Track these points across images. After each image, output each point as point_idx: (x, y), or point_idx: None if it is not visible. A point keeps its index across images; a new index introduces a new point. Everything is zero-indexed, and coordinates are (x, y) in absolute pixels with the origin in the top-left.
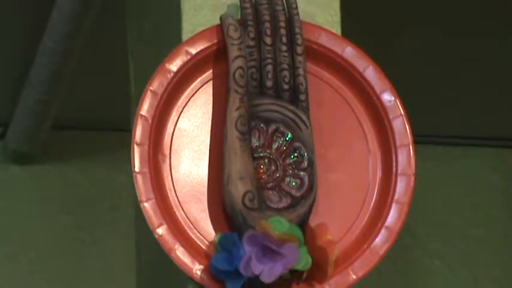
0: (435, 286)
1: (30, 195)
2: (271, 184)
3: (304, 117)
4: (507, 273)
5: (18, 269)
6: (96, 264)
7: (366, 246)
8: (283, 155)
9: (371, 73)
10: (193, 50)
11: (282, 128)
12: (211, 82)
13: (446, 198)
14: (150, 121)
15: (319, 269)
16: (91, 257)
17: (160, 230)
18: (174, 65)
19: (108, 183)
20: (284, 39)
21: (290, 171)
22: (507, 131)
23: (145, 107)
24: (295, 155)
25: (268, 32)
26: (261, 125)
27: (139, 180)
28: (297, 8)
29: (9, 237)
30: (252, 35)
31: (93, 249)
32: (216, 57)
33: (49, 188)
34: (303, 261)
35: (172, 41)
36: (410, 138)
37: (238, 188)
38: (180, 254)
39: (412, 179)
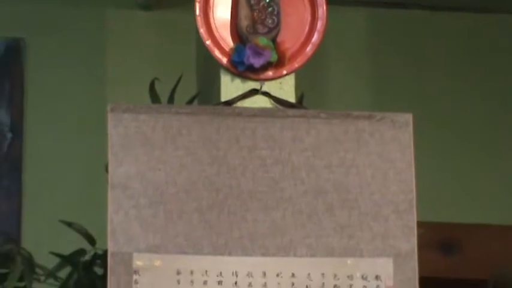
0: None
1: (151, 34)
2: (259, 21)
3: None
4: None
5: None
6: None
7: (303, 50)
8: (265, 8)
9: None
10: None
11: None
12: None
13: (338, 37)
14: None
15: (281, 61)
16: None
17: (208, 42)
18: None
19: (186, 20)
20: None
21: (269, 16)
22: None
23: None
24: (272, 8)
25: None
26: None
27: (198, 20)
28: None
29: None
30: None
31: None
32: None
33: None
34: (273, 58)
35: None
36: (324, 1)
37: (244, 23)
38: (217, 53)
39: (324, 21)
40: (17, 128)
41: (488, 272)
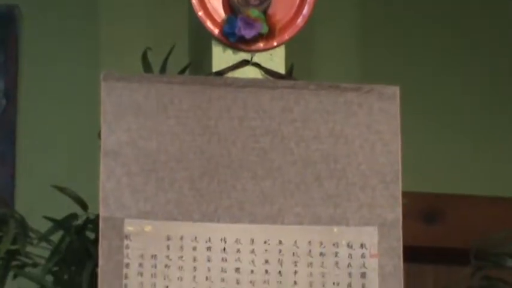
0: None
1: (144, 4)
2: None
3: None
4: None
5: None
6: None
7: (294, 22)
8: None
9: None
10: None
11: None
12: None
13: (328, 9)
14: None
15: (271, 33)
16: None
17: (200, 13)
18: None
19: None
20: None
21: None
22: None
23: None
24: None
25: None
26: None
27: None
28: None
29: None
30: None
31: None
32: None
33: None
34: (264, 29)
35: None
36: None
37: None
38: (209, 24)
39: (312, 5)
40: (11, 95)
41: (470, 241)
